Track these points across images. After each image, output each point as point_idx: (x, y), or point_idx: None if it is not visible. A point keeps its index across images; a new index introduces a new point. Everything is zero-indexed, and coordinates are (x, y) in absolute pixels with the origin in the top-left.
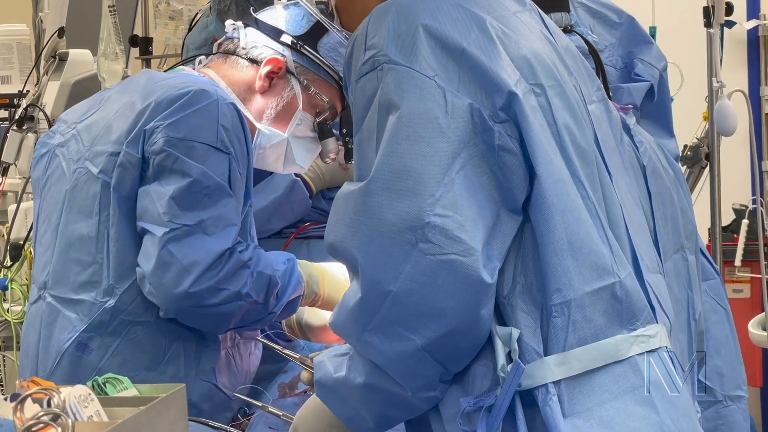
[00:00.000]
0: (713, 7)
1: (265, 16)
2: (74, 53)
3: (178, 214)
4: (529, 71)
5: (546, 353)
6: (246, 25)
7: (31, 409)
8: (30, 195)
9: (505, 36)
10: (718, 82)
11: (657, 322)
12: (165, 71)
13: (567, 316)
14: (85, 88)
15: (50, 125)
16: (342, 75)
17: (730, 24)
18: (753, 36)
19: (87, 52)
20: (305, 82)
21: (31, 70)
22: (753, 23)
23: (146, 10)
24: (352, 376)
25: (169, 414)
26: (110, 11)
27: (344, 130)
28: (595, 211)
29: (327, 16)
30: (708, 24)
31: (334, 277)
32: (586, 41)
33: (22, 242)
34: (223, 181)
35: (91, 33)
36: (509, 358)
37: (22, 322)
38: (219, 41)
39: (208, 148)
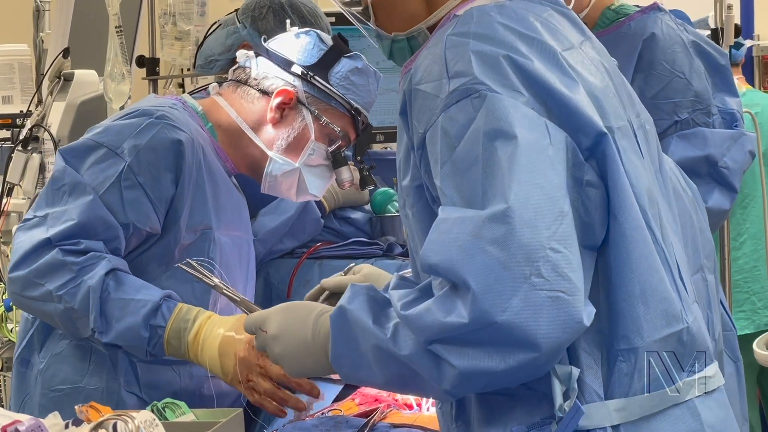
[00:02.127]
0: (722, 29)
1: (276, 45)
2: (80, 74)
3: (36, 207)
4: (602, 112)
5: (607, 396)
6: (257, 55)
7: None
8: None
9: (577, 73)
10: None
11: (714, 362)
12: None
13: (633, 363)
14: (91, 109)
15: (55, 146)
16: (350, 102)
17: (739, 45)
18: (747, 56)
19: (93, 72)
20: (316, 112)
21: (36, 91)
22: (747, 43)
23: (153, 30)
24: (394, 344)
25: None
26: (117, 32)
27: (359, 157)
28: (664, 256)
29: (362, 15)
30: None
31: (215, 337)
32: None
33: None
34: (99, 182)
35: (95, 53)
36: (565, 395)
37: None
38: (233, 68)
39: (107, 150)
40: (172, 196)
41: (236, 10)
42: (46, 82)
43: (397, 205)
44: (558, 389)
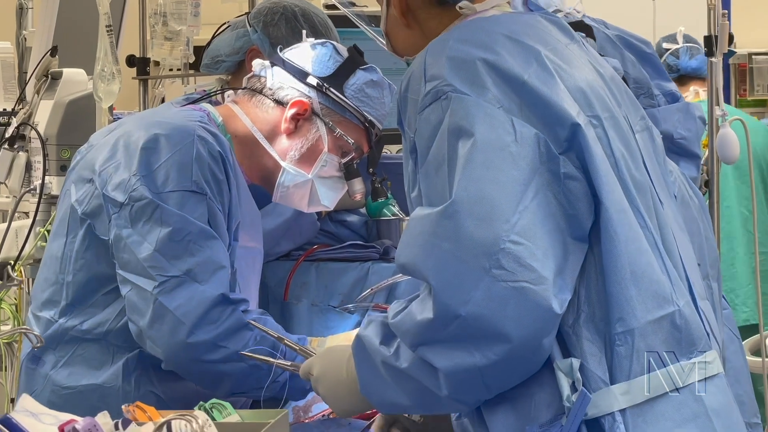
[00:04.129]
0: (716, 37)
1: (292, 55)
2: (68, 72)
3: (164, 265)
4: (586, 103)
5: (611, 382)
6: (273, 64)
7: None
8: (20, 214)
9: (560, 68)
10: (721, 111)
11: (712, 349)
12: (193, 101)
13: (630, 345)
14: (80, 108)
15: (43, 144)
16: (364, 115)
17: (731, 53)
18: (724, 64)
19: (81, 71)
20: (330, 123)
21: (23, 89)
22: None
23: (143, 30)
24: (397, 359)
25: None
26: (107, 31)
27: (371, 170)
28: (653, 240)
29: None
30: (709, 53)
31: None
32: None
33: (12, 262)
34: (204, 223)
35: (82, 52)
36: (573, 387)
37: (9, 343)
38: (248, 76)
39: (184, 193)
40: (228, 206)
41: (247, 13)
42: (32, 81)
43: (393, 209)
44: (564, 382)
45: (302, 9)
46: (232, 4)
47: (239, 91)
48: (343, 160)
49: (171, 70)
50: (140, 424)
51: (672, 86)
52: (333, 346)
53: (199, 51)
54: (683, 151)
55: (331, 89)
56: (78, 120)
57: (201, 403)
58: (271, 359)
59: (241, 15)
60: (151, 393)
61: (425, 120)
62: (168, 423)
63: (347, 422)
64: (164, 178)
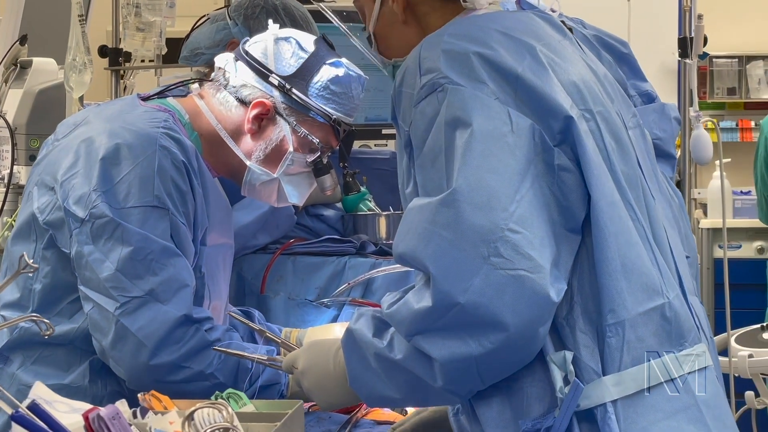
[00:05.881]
0: (692, 39)
1: (255, 49)
2: (38, 62)
3: (126, 286)
4: (579, 97)
5: (603, 373)
6: (236, 59)
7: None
8: None
9: (554, 63)
10: (695, 112)
11: (702, 342)
12: (154, 95)
13: (621, 336)
14: (50, 98)
15: (11, 133)
16: (329, 114)
17: (705, 55)
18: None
19: (51, 60)
20: (295, 123)
21: None
22: None
23: (116, 20)
24: (390, 351)
25: (294, 428)
26: (79, 20)
27: (342, 164)
28: (644, 233)
29: (368, 41)
30: (683, 54)
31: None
32: None
33: None
34: (166, 240)
35: (51, 41)
36: (566, 380)
37: None
38: (217, 66)
39: (145, 209)
40: (193, 215)
41: (227, 6)
42: (0, 69)
43: (369, 204)
44: (558, 375)
45: (283, 3)
46: None
47: (205, 84)
48: (310, 158)
49: (143, 61)
50: (157, 413)
51: (648, 86)
52: (319, 339)
53: (172, 43)
54: (658, 151)
55: (293, 90)
56: (48, 110)
57: (217, 393)
58: (246, 354)
59: (221, 8)
60: (118, 393)
61: (421, 113)
62: (191, 414)
63: (328, 416)
64: (125, 193)
